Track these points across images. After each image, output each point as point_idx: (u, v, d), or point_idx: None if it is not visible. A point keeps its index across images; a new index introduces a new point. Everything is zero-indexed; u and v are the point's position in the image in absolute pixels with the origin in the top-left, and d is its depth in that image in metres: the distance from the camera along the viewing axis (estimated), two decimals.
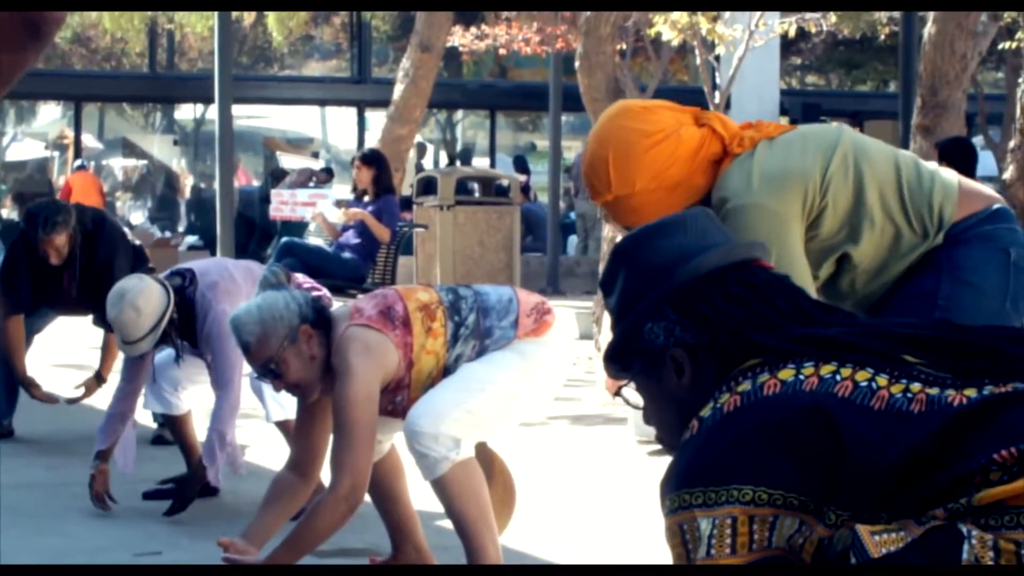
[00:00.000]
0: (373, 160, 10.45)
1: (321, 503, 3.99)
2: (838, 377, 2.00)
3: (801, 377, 2.01)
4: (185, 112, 26.24)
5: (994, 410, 1.93)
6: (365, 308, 4.14)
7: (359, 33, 24.44)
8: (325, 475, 4.21)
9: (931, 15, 9.99)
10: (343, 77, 25.22)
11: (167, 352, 5.58)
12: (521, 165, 22.56)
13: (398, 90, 14.01)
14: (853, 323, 2.13)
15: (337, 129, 26.31)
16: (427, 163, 23.46)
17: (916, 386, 1.98)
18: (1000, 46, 16.11)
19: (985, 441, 1.89)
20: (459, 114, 27.29)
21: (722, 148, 3.20)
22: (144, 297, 5.12)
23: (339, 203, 11.46)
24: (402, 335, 4.10)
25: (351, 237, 10.26)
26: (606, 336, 6.77)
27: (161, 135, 26.13)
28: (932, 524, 1.87)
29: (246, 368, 5.43)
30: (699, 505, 1.97)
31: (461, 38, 19.53)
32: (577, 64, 10.37)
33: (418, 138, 19.66)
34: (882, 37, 17.81)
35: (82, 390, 6.75)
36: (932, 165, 3.31)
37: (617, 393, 2.35)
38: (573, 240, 20.40)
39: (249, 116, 24.48)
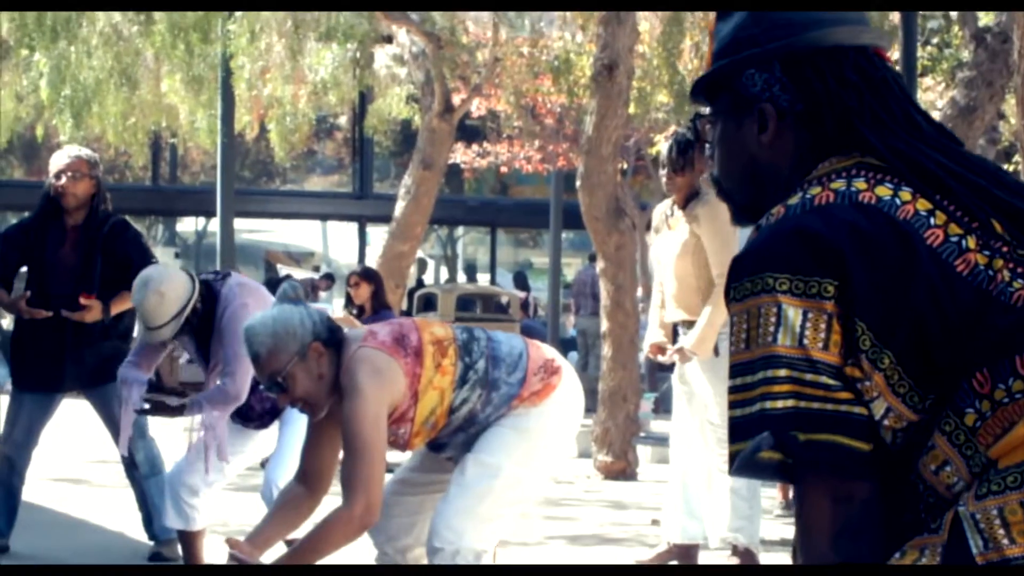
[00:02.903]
0: (372, 276, 10.56)
1: (334, 518, 3.99)
2: (932, 221, 1.94)
3: (898, 201, 1.95)
4: (187, 225, 26.37)
5: None
6: (379, 332, 4.18)
7: (361, 148, 24.63)
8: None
9: None
10: (345, 192, 25.37)
11: (184, 460, 5.51)
12: (521, 281, 22.64)
13: (399, 206, 14.08)
14: (952, 154, 2.03)
15: (338, 244, 26.42)
16: (428, 279, 23.53)
17: (998, 262, 1.93)
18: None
19: (1017, 337, 1.86)
20: (460, 230, 27.42)
21: None
22: (168, 283, 5.19)
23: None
24: (412, 364, 4.13)
25: None
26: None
27: (163, 247, 26.22)
28: (942, 526, 1.84)
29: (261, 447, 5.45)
30: (785, 291, 1.90)
31: (463, 155, 19.70)
32: (578, 183, 10.43)
33: (419, 254, 19.75)
34: None
35: (83, 310, 6.39)
36: None
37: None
38: (573, 356, 20.40)
39: (251, 230, 24.60)
